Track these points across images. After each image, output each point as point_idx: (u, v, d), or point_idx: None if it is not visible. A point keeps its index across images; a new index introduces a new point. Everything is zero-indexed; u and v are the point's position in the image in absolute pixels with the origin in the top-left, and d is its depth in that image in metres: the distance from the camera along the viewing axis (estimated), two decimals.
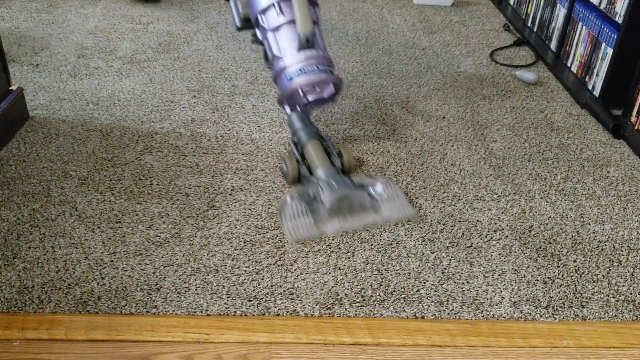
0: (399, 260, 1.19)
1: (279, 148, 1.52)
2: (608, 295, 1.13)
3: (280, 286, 1.11)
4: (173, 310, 1.05)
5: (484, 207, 1.35)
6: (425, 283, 1.14)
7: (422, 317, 1.07)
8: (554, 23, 2.13)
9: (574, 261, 1.21)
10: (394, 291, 1.12)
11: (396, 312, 1.07)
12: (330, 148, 1.40)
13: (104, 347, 0.99)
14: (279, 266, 1.16)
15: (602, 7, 1.81)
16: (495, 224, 1.30)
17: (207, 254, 1.18)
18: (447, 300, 1.10)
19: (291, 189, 1.36)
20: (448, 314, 1.08)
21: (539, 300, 1.11)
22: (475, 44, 2.20)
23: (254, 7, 1.50)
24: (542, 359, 1.01)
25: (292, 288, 1.11)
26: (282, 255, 1.18)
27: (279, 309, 1.07)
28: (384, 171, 1.45)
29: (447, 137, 1.61)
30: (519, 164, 1.51)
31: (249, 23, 1.59)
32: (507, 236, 1.27)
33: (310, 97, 1.50)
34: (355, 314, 1.06)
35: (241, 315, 1.05)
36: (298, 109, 1.49)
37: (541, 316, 1.08)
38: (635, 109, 1.65)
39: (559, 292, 1.13)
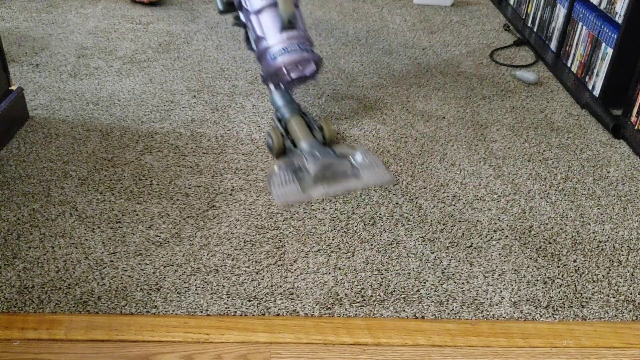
0: (399, 260, 1.19)
1: None
2: (608, 295, 1.13)
3: (280, 286, 1.11)
4: (173, 310, 1.05)
5: (484, 207, 1.35)
6: (425, 283, 1.14)
7: (422, 317, 1.07)
8: (554, 23, 2.13)
9: (574, 261, 1.21)
10: (394, 291, 1.12)
11: (396, 312, 1.07)
12: (312, 123, 1.49)
13: (104, 347, 0.99)
14: (279, 266, 1.16)
15: (602, 7, 1.81)
16: (495, 224, 1.30)
17: (207, 254, 1.18)
18: (447, 300, 1.10)
19: (278, 160, 1.44)
20: (448, 314, 1.08)
21: (539, 300, 1.11)
22: (475, 44, 2.20)
23: None
24: (542, 359, 1.01)
25: (292, 288, 1.11)
26: (282, 255, 1.18)
27: (279, 309, 1.07)
28: None
29: (447, 137, 1.61)
30: (519, 164, 1.51)
31: (231, 7, 1.70)
32: (507, 236, 1.27)
33: (294, 75, 1.58)
34: (355, 314, 1.06)
35: (241, 315, 1.05)
36: (282, 86, 1.57)
37: (541, 316, 1.08)
38: (635, 109, 1.65)
39: (559, 292, 1.13)
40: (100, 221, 1.25)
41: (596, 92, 1.80)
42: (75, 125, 1.57)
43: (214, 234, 1.23)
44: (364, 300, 1.09)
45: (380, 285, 1.13)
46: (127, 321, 1.03)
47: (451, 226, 1.29)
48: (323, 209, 1.32)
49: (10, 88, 1.53)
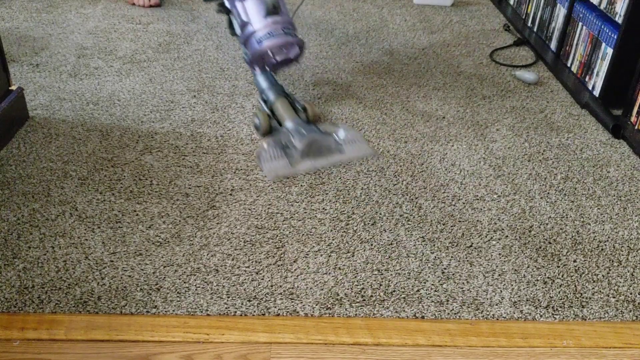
0: (399, 260, 1.19)
1: None
2: (608, 295, 1.13)
3: (280, 286, 1.11)
4: (173, 310, 1.05)
5: (484, 207, 1.35)
6: (425, 283, 1.14)
7: (422, 317, 1.07)
8: (554, 23, 2.13)
9: (574, 261, 1.21)
10: (394, 291, 1.12)
11: (396, 312, 1.07)
12: (296, 103, 1.58)
13: (104, 347, 0.99)
14: (279, 266, 1.16)
15: (602, 7, 1.81)
16: (495, 224, 1.30)
17: (207, 254, 1.18)
18: (447, 300, 1.10)
19: (267, 138, 1.51)
20: (448, 314, 1.08)
21: (539, 300, 1.11)
22: (475, 44, 2.20)
23: None
24: (542, 359, 1.01)
25: (292, 288, 1.11)
26: (282, 255, 1.18)
27: (279, 309, 1.07)
28: (384, 171, 1.45)
29: (447, 137, 1.61)
30: (519, 164, 1.51)
31: None
32: (507, 236, 1.27)
33: (279, 58, 1.62)
34: (355, 314, 1.06)
35: (241, 315, 1.05)
36: (267, 69, 1.63)
37: (541, 316, 1.08)
38: (635, 109, 1.65)
39: (559, 292, 1.13)
40: (100, 221, 1.25)
41: (596, 92, 1.80)
42: (75, 125, 1.57)
43: (214, 234, 1.23)
44: (364, 300, 1.09)
45: (380, 285, 1.13)
46: (127, 321, 1.03)
47: (451, 226, 1.29)
48: (323, 209, 1.32)
49: (10, 88, 1.53)
